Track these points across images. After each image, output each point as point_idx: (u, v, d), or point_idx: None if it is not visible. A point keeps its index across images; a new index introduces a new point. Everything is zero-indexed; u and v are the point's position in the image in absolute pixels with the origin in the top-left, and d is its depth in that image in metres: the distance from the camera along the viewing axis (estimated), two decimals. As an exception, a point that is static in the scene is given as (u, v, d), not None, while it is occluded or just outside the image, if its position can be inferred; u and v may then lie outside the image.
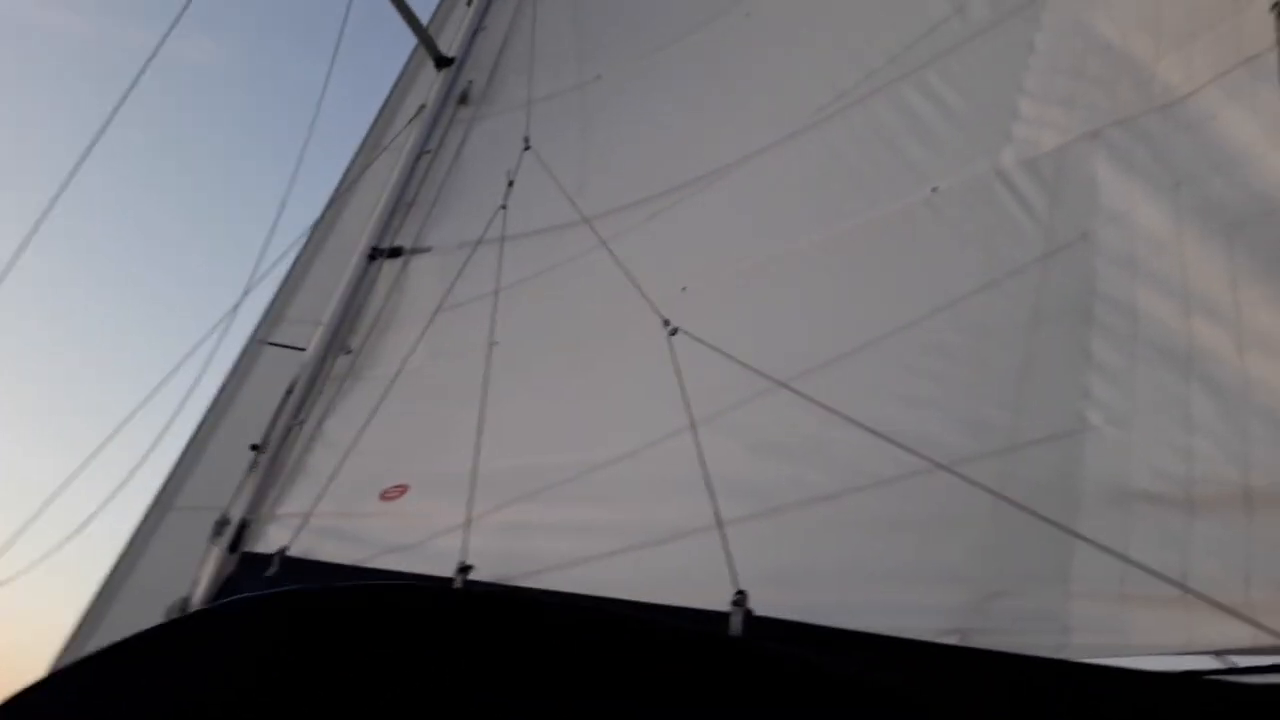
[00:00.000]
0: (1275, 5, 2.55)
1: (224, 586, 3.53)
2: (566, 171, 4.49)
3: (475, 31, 5.20)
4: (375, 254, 4.37)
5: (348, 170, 5.26)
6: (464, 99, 4.98)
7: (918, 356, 2.65)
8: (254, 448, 4.01)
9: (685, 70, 4.85)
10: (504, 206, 4.26)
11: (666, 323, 3.19)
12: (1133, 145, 2.66)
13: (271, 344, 4.82)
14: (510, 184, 4.33)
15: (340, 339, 4.17)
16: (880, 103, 3.67)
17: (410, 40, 5.33)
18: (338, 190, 5.09)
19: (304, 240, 4.98)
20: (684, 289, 3.62)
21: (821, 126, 3.86)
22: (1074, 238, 2.59)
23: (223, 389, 4.91)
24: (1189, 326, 2.20)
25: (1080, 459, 2.15)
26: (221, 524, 3.59)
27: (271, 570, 3.40)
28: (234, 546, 3.57)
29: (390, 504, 3.36)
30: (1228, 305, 2.17)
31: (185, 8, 3.90)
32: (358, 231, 4.72)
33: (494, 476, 3.11)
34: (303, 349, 4.44)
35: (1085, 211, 2.63)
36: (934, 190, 3.14)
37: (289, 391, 4.02)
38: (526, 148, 4.46)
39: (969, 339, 2.60)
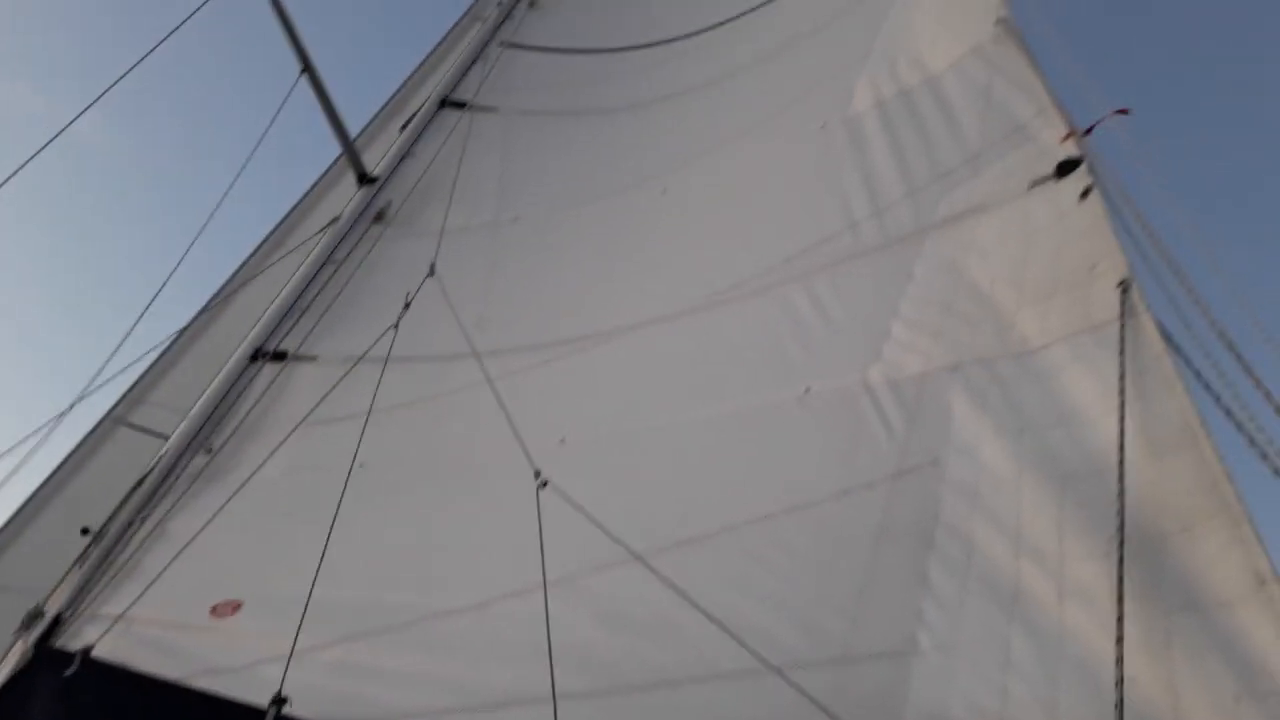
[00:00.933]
0: (1121, 283, 2.86)
1: (14, 680, 3.27)
2: (467, 303, 4.56)
3: (404, 156, 5.32)
4: (259, 354, 4.30)
5: (244, 264, 5.21)
6: (379, 217, 5.05)
7: (770, 551, 2.74)
8: (85, 532, 3.80)
9: (600, 229, 5.05)
10: (395, 327, 4.27)
11: (538, 474, 3.22)
12: (988, 385, 2.89)
13: (129, 425, 4.63)
14: (407, 306, 4.36)
15: (204, 435, 4.04)
16: (771, 299, 3.89)
17: (330, 149, 5.41)
18: (229, 282, 5.02)
19: (181, 328, 4.86)
20: (562, 441, 3.68)
21: (716, 309, 4.06)
22: (925, 462, 2.77)
23: (64, 463, 4.65)
24: (1018, 567, 2.36)
25: (907, 681, 2.25)
26: (34, 615, 3.35)
27: (71, 670, 3.17)
28: (43, 639, 3.33)
29: (220, 620, 3.21)
30: (1054, 553, 2.34)
31: (98, 99, 3.87)
32: (243, 327, 4.65)
33: (334, 608, 3.01)
34: (164, 436, 4.28)
35: (938, 439, 2.82)
36: (807, 391, 3.32)
37: (139, 482, 3.85)
38: (431, 274, 4.52)
39: (819, 543, 2.72)
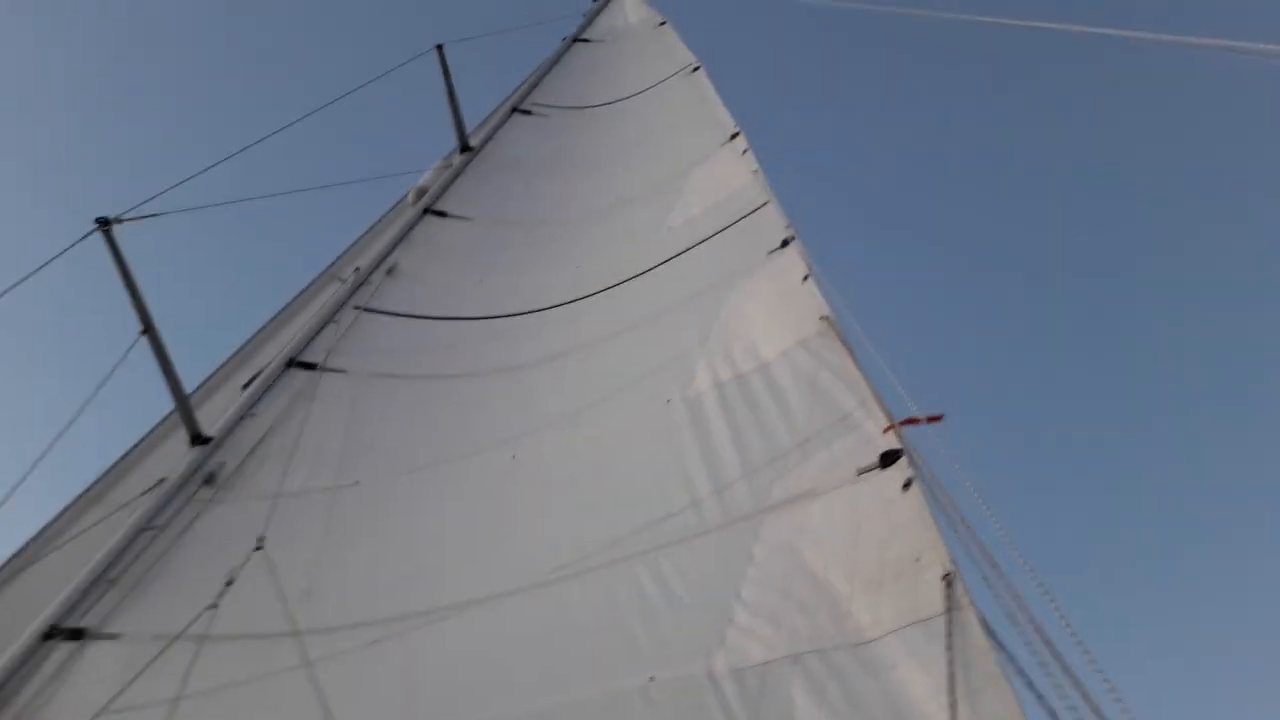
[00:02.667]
0: (945, 576, 2.98)
1: None
2: (294, 574, 4.32)
3: (243, 417, 5.18)
4: (53, 633, 3.88)
5: (49, 524, 4.81)
6: (210, 480, 4.82)
7: None
8: None
9: (444, 496, 4.97)
10: (214, 606, 3.98)
11: None
12: (826, 678, 2.90)
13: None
14: (229, 583, 4.10)
15: (-29, 730, 3.54)
16: (616, 575, 3.87)
17: (161, 402, 5.22)
18: (26, 546, 4.60)
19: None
20: None
21: (558, 585, 3.99)
22: None
23: None
24: None
25: None
26: None
27: None
28: None
29: None
30: None
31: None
32: (40, 598, 4.22)
33: None
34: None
35: None
36: (651, 679, 3.24)
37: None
38: (258, 548, 4.29)
39: None
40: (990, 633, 2.74)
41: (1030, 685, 2.61)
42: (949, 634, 2.74)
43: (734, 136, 7.84)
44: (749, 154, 7.37)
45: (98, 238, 5.22)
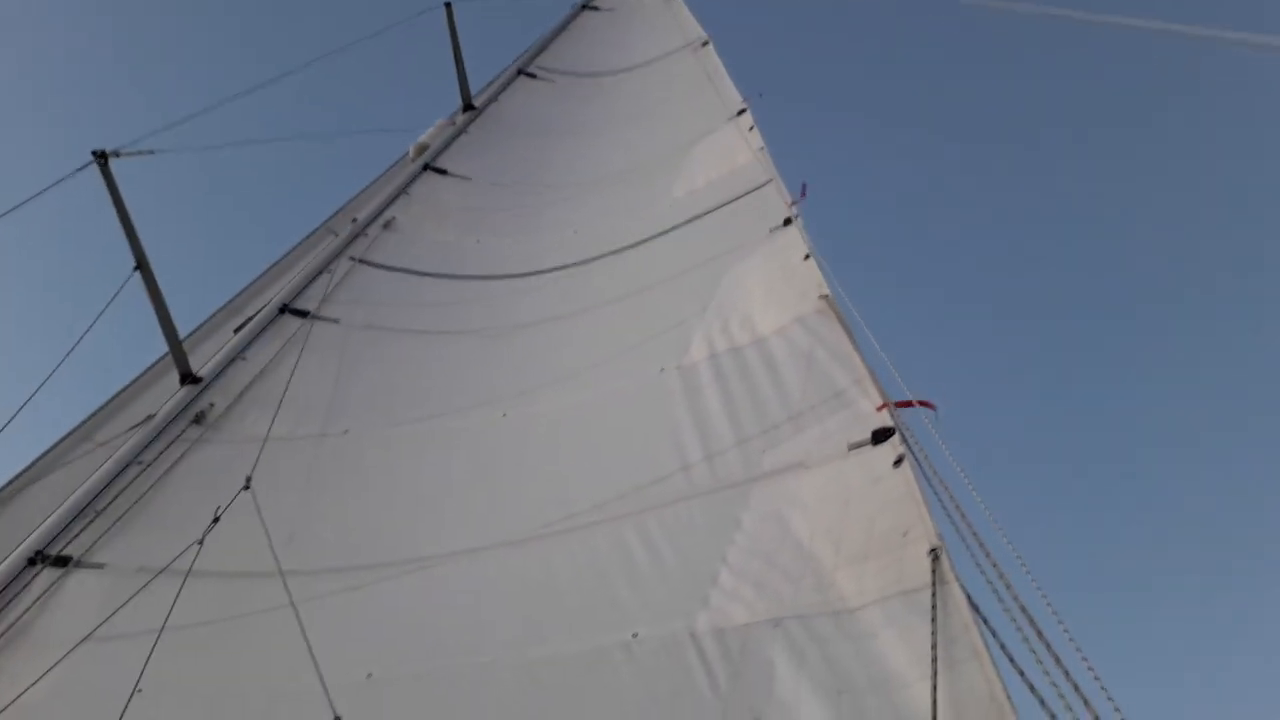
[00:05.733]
0: (932, 550, 3.01)
1: None
2: (279, 517, 4.32)
3: (234, 359, 5.16)
4: (38, 558, 3.88)
5: (41, 457, 4.79)
6: (199, 419, 4.81)
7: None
8: None
9: (431, 450, 4.98)
10: (200, 542, 3.98)
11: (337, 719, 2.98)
12: (807, 643, 2.93)
13: None
14: (215, 520, 4.09)
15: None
16: (602, 535, 3.89)
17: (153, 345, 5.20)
18: (19, 475, 4.58)
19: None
20: (369, 675, 3.45)
21: (544, 541, 4.01)
22: None
23: None
24: None
25: None
26: None
27: None
28: None
29: None
30: None
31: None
32: (26, 525, 4.22)
33: None
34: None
35: (760, 696, 2.81)
36: (634, 636, 3.27)
37: None
38: (246, 487, 4.28)
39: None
40: (974, 607, 2.78)
41: (1012, 660, 2.65)
42: (933, 607, 2.77)
43: (741, 113, 7.82)
44: (754, 131, 7.36)
45: (93, 170, 5.17)
